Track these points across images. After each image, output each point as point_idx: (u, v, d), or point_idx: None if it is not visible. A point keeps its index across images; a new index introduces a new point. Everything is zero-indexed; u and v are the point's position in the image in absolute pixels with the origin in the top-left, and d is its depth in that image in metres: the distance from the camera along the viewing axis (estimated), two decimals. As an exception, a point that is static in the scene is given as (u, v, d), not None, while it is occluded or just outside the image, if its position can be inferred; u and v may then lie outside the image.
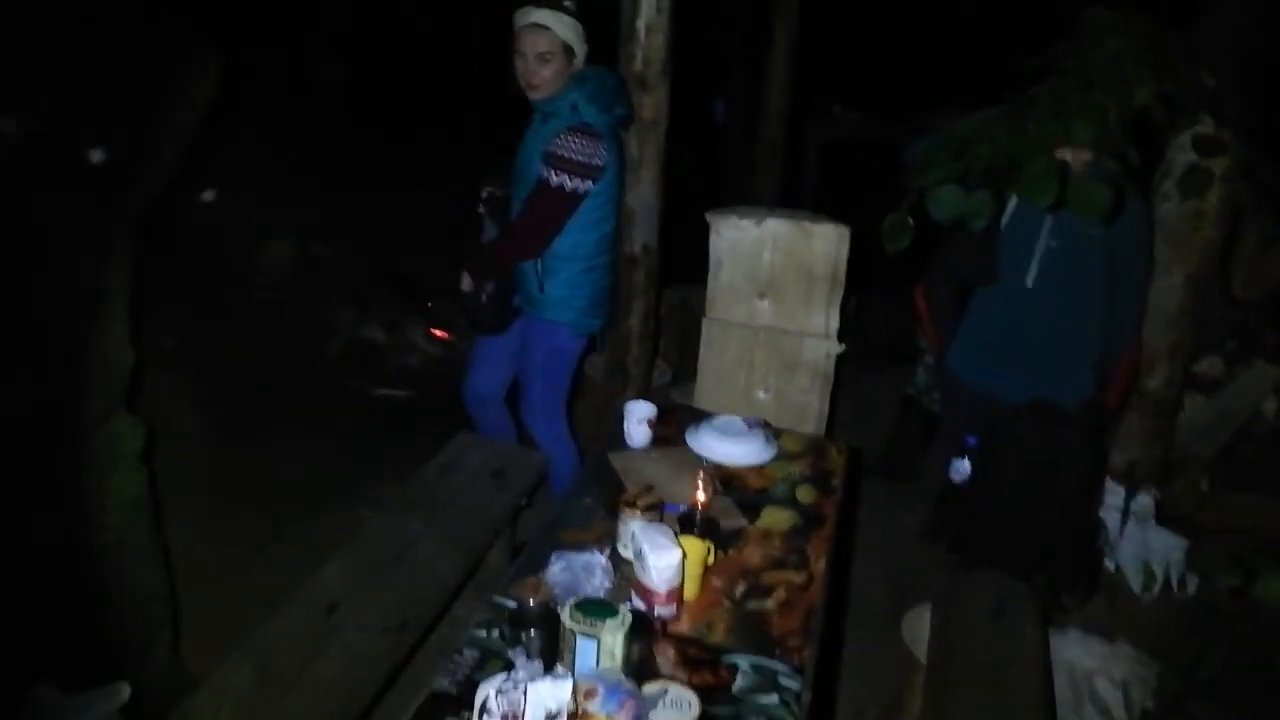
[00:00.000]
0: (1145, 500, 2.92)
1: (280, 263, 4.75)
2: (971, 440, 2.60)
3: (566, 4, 2.61)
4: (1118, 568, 2.91)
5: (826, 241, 2.75)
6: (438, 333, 4.35)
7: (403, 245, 5.01)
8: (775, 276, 2.81)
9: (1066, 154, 2.18)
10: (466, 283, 2.77)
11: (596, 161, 2.60)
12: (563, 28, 2.57)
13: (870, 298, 4.15)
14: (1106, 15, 2.39)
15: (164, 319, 3.52)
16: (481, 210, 2.85)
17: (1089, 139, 2.00)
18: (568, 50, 2.60)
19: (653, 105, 3.04)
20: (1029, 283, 2.43)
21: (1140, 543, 2.87)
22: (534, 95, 2.64)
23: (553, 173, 2.58)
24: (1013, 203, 2.48)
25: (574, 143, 2.56)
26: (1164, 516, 2.97)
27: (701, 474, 1.97)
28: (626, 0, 2.95)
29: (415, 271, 4.69)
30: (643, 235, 3.17)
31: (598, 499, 2.05)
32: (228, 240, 4.44)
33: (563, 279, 2.73)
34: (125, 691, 1.81)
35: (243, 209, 4.50)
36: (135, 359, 2.08)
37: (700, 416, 2.44)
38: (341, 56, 6.63)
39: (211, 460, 3.34)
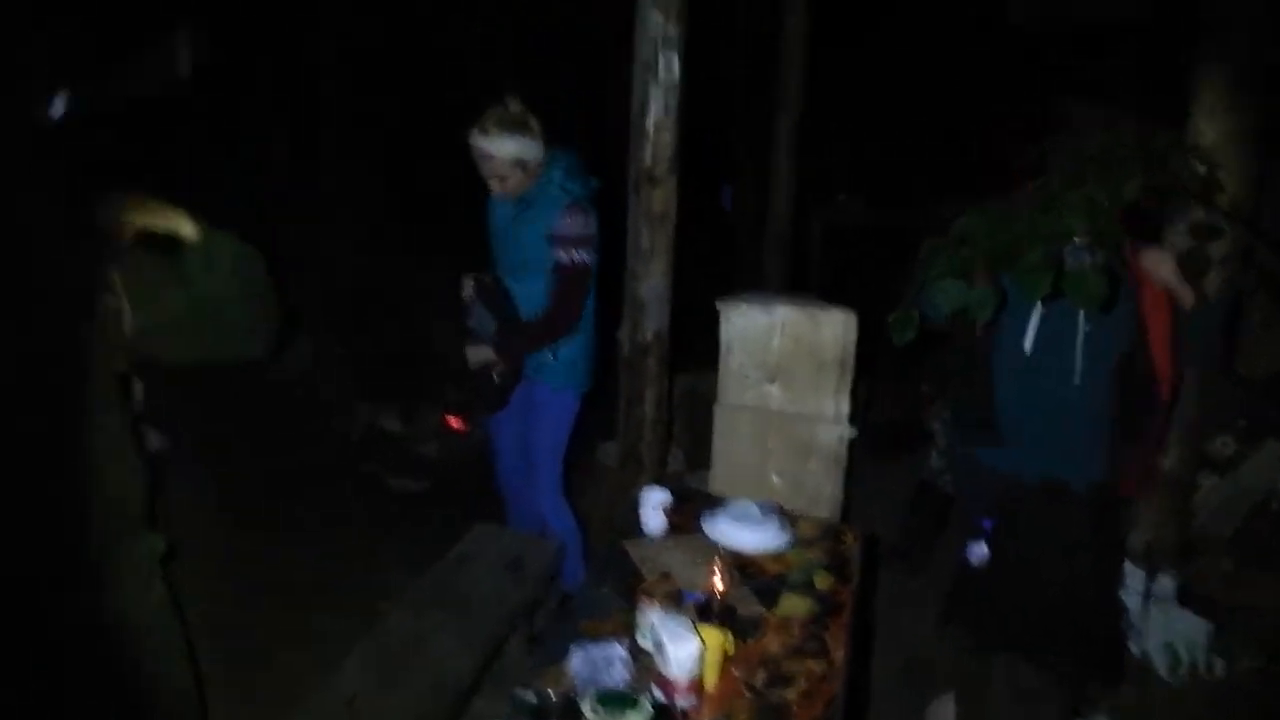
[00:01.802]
0: (1166, 582, 2.90)
1: (300, 353, 4.85)
2: (986, 523, 2.60)
3: (509, 110, 2.73)
4: (1143, 653, 2.87)
5: (834, 327, 2.81)
6: (453, 423, 4.40)
7: (418, 325, 5.09)
8: (785, 362, 2.86)
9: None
10: (498, 367, 2.88)
11: (592, 231, 2.79)
12: (507, 149, 2.70)
13: (878, 382, 4.20)
14: (1094, 112, 2.50)
15: (183, 409, 3.58)
16: (471, 296, 2.92)
17: (1083, 231, 2.07)
18: (520, 163, 2.73)
19: (662, 199, 3.15)
20: (1076, 379, 2.45)
21: (1164, 626, 2.84)
22: (509, 198, 2.83)
23: (568, 253, 2.75)
24: (1037, 309, 2.49)
25: (575, 220, 2.75)
26: (1187, 598, 2.94)
27: (718, 561, 1.99)
28: (636, 100, 3.09)
29: (428, 353, 4.77)
30: (654, 323, 3.24)
31: (615, 588, 2.06)
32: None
33: (573, 345, 2.90)
34: None
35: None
36: (149, 483, 2.06)
37: (715, 502, 2.46)
38: (377, 166, 6.90)
39: (226, 551, 3.35)
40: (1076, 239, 2.19)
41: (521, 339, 2.88)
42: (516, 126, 2.72)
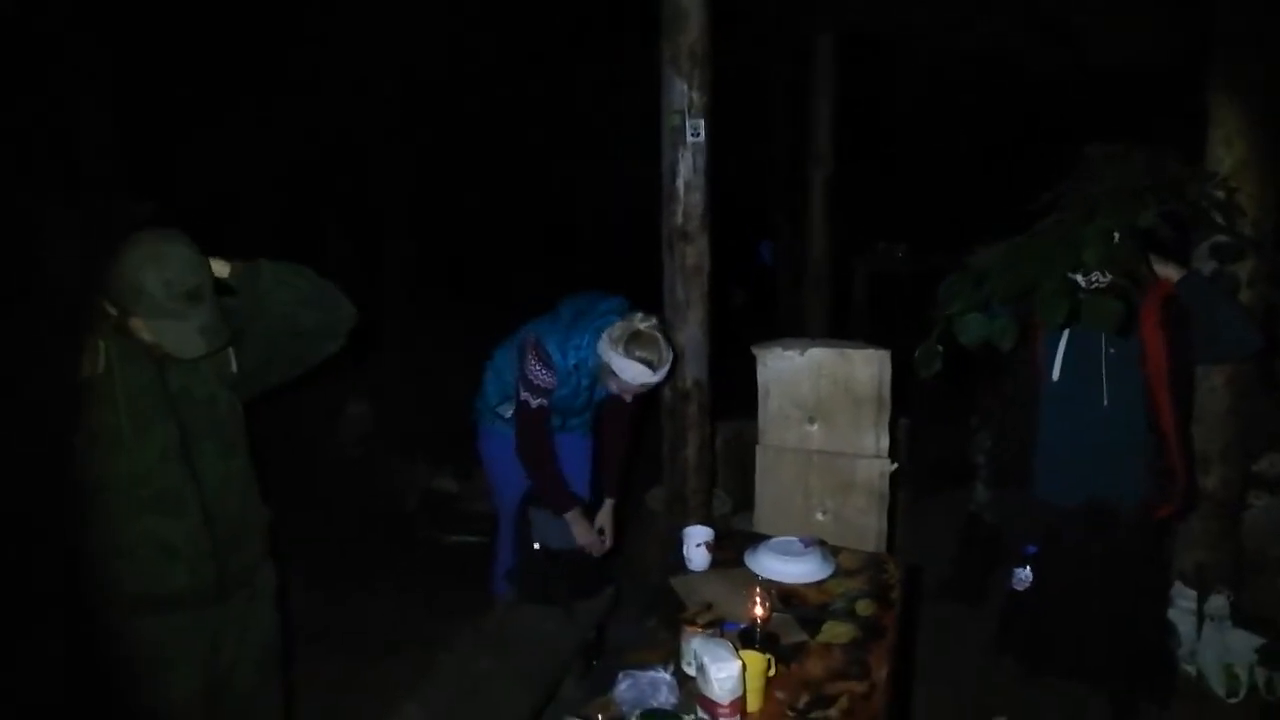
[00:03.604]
0: (1219, 601, 2.88)
1: (359, 424, 5.08)
2: (1030, 549, 2.63)
3: (647, 330, 2.67)
4: (1199, 673, 2.84)
5: (868, 365, 2.89)
6: None
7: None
8: (822, 401, 2.94)
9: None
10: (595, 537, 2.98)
11: None
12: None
13: (922, 419, 4.24)
14: (1106, 149, 2.59)
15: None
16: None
17: (1095, 260, 2.16)
18: None
19: (695, 253, 3.30)
20: (1104, 401, 2.51)
21: (1219, 645, 2.82)
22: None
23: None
24: (1064, 339, 2.57)
25: None
26: (1243, 618, 2.91)
27: (758, 590, 2.07)
28: (666, 163, 3.27)
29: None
30: (693, 371, 3.37)
31: (661, 621, 2.15)
32: (307, 404, 4.78)
33: None
34: None
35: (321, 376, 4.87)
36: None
37: (758, 539, 2.54)
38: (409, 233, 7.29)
39: (292, 605, 3.51)
40: (1091, 274, 2.29)
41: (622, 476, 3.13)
42: (667, 345, 2.73)
